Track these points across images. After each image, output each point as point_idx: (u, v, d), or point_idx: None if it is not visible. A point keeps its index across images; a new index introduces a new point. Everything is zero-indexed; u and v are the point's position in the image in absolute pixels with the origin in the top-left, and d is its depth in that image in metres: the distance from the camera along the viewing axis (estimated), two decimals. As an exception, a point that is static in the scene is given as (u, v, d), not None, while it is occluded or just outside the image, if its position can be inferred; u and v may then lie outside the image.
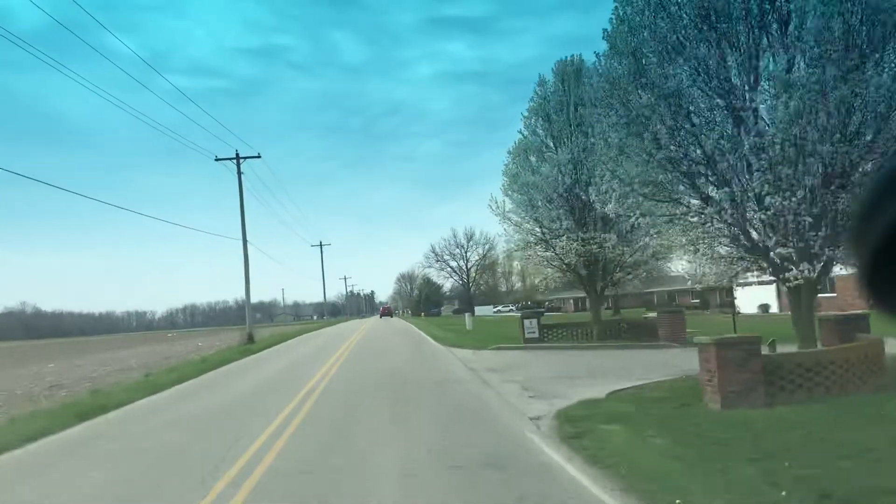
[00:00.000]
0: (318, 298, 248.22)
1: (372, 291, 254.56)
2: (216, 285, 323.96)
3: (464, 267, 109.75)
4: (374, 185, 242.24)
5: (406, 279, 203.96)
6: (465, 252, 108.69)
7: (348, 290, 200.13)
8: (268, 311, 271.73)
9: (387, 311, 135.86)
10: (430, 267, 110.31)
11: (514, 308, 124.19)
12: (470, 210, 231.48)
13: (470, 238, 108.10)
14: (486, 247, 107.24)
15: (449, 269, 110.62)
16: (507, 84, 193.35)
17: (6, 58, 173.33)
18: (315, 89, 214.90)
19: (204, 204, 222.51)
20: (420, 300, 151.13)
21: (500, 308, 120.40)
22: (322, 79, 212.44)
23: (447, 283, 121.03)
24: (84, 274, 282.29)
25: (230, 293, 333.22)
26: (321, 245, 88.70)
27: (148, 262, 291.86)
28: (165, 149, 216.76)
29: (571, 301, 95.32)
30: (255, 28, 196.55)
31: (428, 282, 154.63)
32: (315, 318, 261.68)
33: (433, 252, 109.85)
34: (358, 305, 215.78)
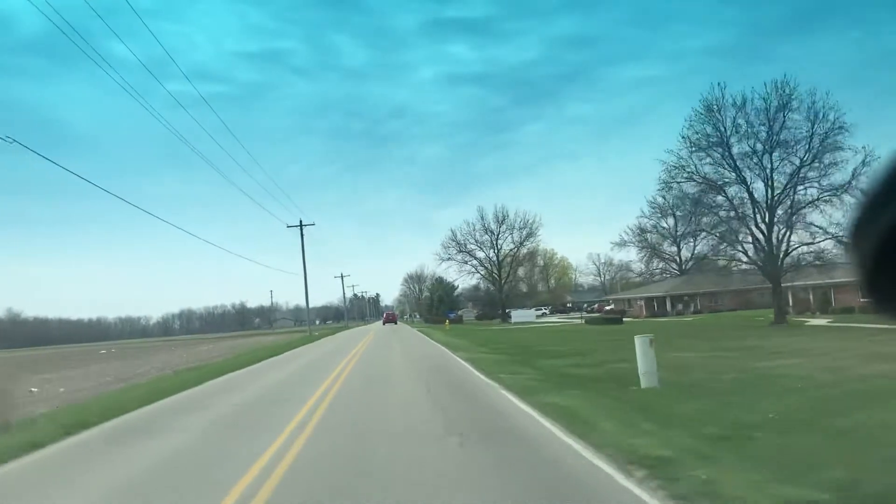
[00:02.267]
0: (321, 302, 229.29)
1: (377, 294, 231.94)
2: (214, 289, 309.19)
3: (494, 259, 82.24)
4: (378, 189, 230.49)
5: (414, 280, 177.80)
6: (496, 239, 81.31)
7: (352, 293, 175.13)
8: (267, 316, 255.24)
9: (390, 318, 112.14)
10: (449, 259, 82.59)
11: (546, 311, 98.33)
12: (472, 212, 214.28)
13: (502, 220, 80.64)
14: (524, 232, 79.73)
15: (475, 261, 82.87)
16: (509, 86, 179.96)
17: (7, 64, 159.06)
18: (317, 93, 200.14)
19: (203, 208, 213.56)
20: (432, 303, 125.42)
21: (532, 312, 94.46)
22: (324, 82, 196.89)
23: (468, 281, 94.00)
24: (78, 279, 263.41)
25: (228, 297, 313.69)
26: (301, 225, 62.03)
27: (144, 265, 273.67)
28: (169, 154, 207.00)
29: (642, 302, 68.74)
30: (255, 32, 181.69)
31: (441, 282, 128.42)
32: (318, 322, 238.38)
33: (454, 240, 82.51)
34: (360, 309, 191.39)
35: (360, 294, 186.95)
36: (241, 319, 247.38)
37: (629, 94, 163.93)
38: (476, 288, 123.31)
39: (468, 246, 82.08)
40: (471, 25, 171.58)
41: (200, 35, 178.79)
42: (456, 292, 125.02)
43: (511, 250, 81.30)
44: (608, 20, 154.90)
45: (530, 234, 79.42)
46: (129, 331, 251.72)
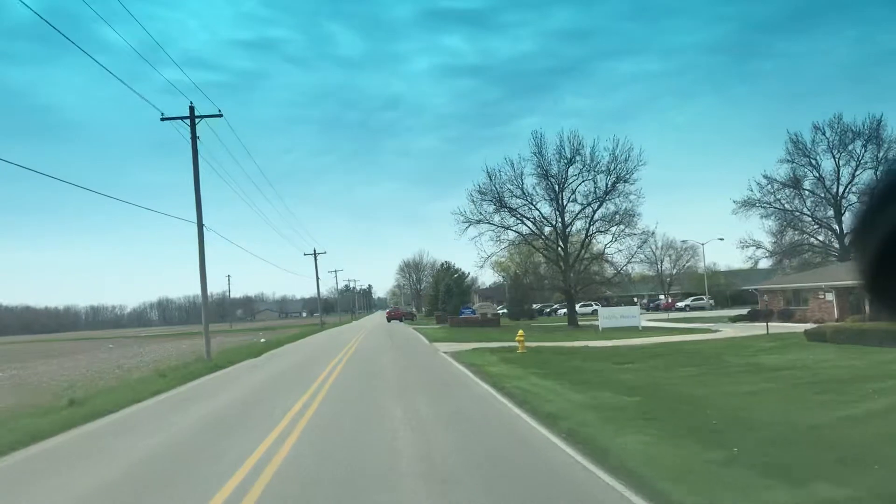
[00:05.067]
0: (309, 293, 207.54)
1: (369, 286, 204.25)
2: (196, 277, 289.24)
3: (558, 221, 45.09)
4: (371, 181, 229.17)
5: (411, 268, 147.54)
6: (561, 188, 44.21)
7: (334, 278, 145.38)
8: (250, 307, 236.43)
9: (395, 314, 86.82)
10: (481, 223, 44.87)
11: (597, 306, 67.78)
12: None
13: (572, 157, 43.36)
14: (611, 177, 42.82)
15: (526, 226, 45.59)
16: (504, 78, 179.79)
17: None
18: (311, 83, 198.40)
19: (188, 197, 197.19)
20: (437, 295, 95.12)
21: (592, 307, 63.68)
22: (318, 72, 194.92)
23: (509, 255, 60.95)
24: (51, 265, 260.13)
25: (210, 286, 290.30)
26: (191, 117, 28.29)
27: (121, 251, 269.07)
28: (159, 140, 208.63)
29: (831, 296, 37.90)
30: (249, 20, 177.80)
31: (448, 269, 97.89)
32: (304, 314, 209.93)
33: (490, 191, 45.10)
34: (350, 301, 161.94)
35: (350, 285, 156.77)
36: (221, 311, 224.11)
37: (625, 89, 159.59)
38: (475, 279, 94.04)
39: (510, 202, 44.98)
40: (466, 17, 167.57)
41: (194, 21, 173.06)
42: (465, 281, 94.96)
43: (590, 205, 44.03)
44: (605, 14, 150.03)
45: (621, 179, 42.32)
46: (99, 321, 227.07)
